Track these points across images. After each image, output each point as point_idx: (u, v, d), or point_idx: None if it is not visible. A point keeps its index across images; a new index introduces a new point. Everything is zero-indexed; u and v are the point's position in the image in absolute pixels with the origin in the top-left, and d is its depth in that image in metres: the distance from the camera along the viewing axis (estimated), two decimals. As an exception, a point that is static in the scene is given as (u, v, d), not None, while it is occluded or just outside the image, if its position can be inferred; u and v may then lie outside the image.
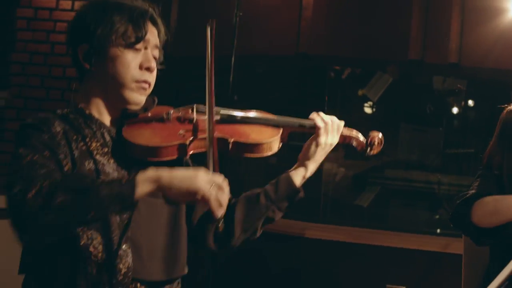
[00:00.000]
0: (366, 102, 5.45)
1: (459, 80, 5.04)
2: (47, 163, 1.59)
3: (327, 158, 5.80)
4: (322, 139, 1.91)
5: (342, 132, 1.97)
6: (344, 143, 2.02)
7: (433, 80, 5.21)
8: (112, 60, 1.74)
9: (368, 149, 2.03)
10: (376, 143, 2.02)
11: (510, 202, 2.40)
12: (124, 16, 1.75)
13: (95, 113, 1.78)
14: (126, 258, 1.65)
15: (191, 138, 1.78)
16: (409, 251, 3.15)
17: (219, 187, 1.59)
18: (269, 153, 1.87)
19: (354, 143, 2.03)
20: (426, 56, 4.22)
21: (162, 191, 1.57)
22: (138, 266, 1.68)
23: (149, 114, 1.84)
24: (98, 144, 1.72)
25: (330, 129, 1.92)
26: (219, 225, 1.71)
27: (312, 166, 1.94)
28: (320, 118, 1.92)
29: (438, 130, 5.30)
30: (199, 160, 1.80)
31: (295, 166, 1.97)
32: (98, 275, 1.61)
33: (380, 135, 2.03)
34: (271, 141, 1.87)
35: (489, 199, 2.43)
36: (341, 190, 5.59)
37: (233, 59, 3.83)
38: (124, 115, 1.81)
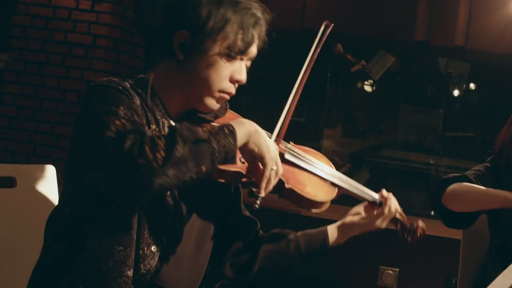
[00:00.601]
0: (367, 80, 5.41)
1: (464, 62, 5.01)
2: (143, 127, 1.51)
3: (325, 135, 5.75)
4: (379, 221, 1.85)
5: (396, 216, 1.92)
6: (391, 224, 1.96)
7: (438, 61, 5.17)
8: (208, 63, 1.62)
9: (409, 237, 1.97)
10: (418, 234, 1.97)
11: (480, 193, 2.40)
12: (237, 18, 1.62)
13: (164, 101, 1.67)
14: (150, 260, 1.60)
15: (250, 169, 1.65)
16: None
17: (277, 173, 1.59)
18: (318, 211, 1.79)
19: (399, 227, 1.98)
20: (432, 38, 4.18)
21: (248, 143, 1.55)
22: (164, 272, 1.64)
23: (218, 122, 1.70)
24: (155, 132, 1.60)
25: (391, 214, 1.87)
26: (256, 204, 1.62)
27: (349, 236, 1.88)
28: (392, 201, 1.86)
29: (438, 113, 5.27)
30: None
31: (336, 225, 1.89)
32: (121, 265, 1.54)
33: (423, 225, 1.98)
34: (324, 202, 1.78)
35: (463, 185, 2.43)
36: (338, 169, 5.57)
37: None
38: (191, 114, 1.71)
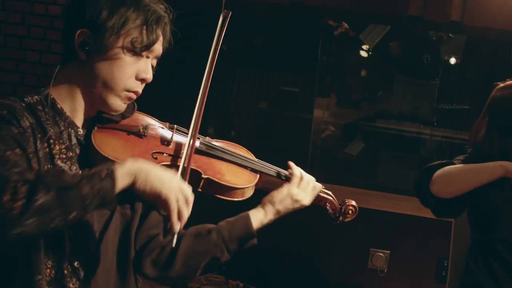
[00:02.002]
0: (363, 48, 5.31)
1: (460, 35, 4.91)
2: (19, 161, 1.44)
3: (318, 105, 5.69)
4: (294, 190, 1.86)
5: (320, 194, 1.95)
6: (318, 204, 1.99)
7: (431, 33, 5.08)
8: (111, 60, 1.58)
9: (341, 217, 2.01)
10: (350, 212, 2.00)
11: (468, 170, 2.35)
12: (140, 15, 1.59)
13: (67, 108, 1.62)
14: (77, 276, 1.57)
15: (163, 163, 1.66)
16: (396, 215, 3.09)
17: (186, 200, 1.51)
18: (240, 199, 1.80)
19: (328, 206, 2.01)
20: (426, 12, 4.05)
21: (136, 184, 1.47)
22: (92, 285, 1.61)
23: (125, 123, 1.69)
24: (63, 146, 1.58)
25: (305, 184, 1.88)
26: (172, 241, 1.60)
27: (272, 214, 1.85)
28: (298, 170, 1.89)
29: (434, 84, 5.18)
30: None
31: (256, 208, 1.87)
32: None
33: (355, 204, 2.02)
34: (246, 188, 1.80)
35: (449, 168, 2.38)
36: (331, 140, 5.53)
37: (223, 5, 3.66)
38: (98, 117, 1.66)
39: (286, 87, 5.39)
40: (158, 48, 1.64)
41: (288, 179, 1.90)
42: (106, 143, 1.62)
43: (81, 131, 1.64)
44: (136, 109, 1.74)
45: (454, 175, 2.37)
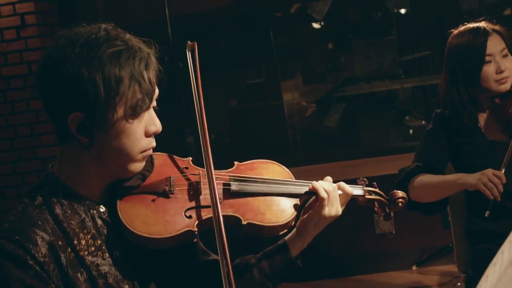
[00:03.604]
0: (312, 24, 5.33)
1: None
2: None
3: (285, 89, 5.70)
4: (325, 211, 1.66)
5: (365, 195, 1.77)
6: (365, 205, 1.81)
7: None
8: (117, 134, 1.41)
9: (391, 211, 1.82)
10: (400, 204, 1.80)
11: (436, 185, 2.44)
12: (127, 72, 1.39)
13: (82, 188, 1.48)
14: None
15: (199, 220, 1.51)
16: (389, 177, 3.11)
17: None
18: (285, 231, 1.65)
19: (377, 205, 1.81)
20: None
21: None
22: None
23: (148, 184, 1.53)
24: (89, 237, 1.46)
25: (333, 199, 1.67)
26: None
27: (310, 237, 1.70)
28: (322, 188, 1.66)
29: (391, 39, 5.22)
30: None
31: (292, 235, 1.71)
32: None
33: (405, 195, 1.81)
34: (290, 221, 1.62)
35: (419, 180, 2.47)
36: (308, 119, 5.55)
37: (168, 22, 3.67)
38: (117, 186, 1.52)
39: (251, 81, 5.42)
40: (156, 92, 1.48)
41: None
42: (135, 216, 1.48)
43: (103, 209, 1.51)
44: (154, 161, 1.58)
45: (423, 191, 2.48)
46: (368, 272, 4.30)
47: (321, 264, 4.28)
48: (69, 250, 1.42)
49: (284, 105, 5.30)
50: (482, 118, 2.52)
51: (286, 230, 1.64)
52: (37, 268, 1.36)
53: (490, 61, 2.42)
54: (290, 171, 1.75)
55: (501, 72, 2.41)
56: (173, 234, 1.48)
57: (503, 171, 2.31)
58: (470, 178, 2.33)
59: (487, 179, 2.28)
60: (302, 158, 4.98)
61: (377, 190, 1.81)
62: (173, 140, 4.08)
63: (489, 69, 2.42)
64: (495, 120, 2.49)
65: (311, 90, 5.55)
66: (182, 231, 1.49)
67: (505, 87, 2.43)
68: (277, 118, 5.26)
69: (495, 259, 1.05)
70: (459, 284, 2.70)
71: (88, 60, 1.36)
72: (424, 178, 2.47)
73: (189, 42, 1.61)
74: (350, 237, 4.36)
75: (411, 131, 5.33)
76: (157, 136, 1.51)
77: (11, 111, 4.61)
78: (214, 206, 1.45)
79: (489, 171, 2.29)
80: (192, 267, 1.69)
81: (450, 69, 2.49)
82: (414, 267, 4.25)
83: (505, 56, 2.44)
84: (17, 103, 4.58)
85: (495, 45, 2.42)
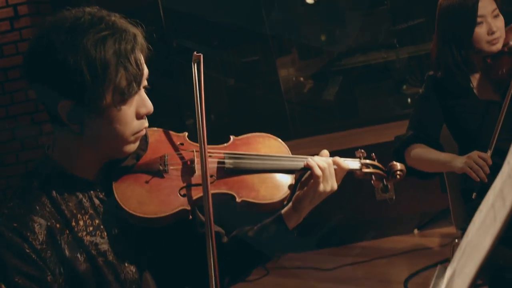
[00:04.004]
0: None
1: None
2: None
3: (283, 65, 5.68)
4: (321, 187, 1.65)
5: (362, 169, 1.76)
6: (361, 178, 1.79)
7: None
8: (108, 119, 1.42)
9: (389, 184, 1.79)
10: (398, 177, 1.78)
11: (429, 162, 2.49)
12: (113, 57, 1.37)
13: (78, 170, 1.49)
14: None
15: (193, 199, 1.52)
16: (386, 144, 3.12)
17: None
18: (281, 206, 1.64)
19: (374, 179, 1.79)
20: None
21: None
22: None
23: (143, 163, 1.54)
24: (87, 217, 1.48)
25: (328, 175, 1.65)
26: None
27: (306, 212, 1.70)
28: (317, 166, 1.64)
29: (384, 9, 5.23)
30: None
31: (288, 209, 1.71)
32: None
33: (403, 167, 1.79)
34: (285, 197, 1.62)
35: (415, 153, 2.51)
36: (307, 94, 5.57)
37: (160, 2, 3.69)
38: (112, 166, 1.53)
39: (246, 59, 5.44)
40: (145, 72, 1.46)
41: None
42: (129, 195, 1.50)
43: (99, 188, 1.53)
44: (148, 140, 1.58)
45: (418, 164, 2.52)
46: (371, 238, 4.35)
47: (324, 232, 4.32)
48: (67, 232, 1.44)
49: (280, 81, 5.32)
50: (475, 79, 2.53)
51: (282, 205, 1.64)
52: (33, 256, 1.38)
53: (481, 22, 2.42)
54: (289, 144, 1.74)
55: (493, 33, 2.42)
56: (167, 213, 1.49)
57: (489, 154, 2.32)
58: (457, 162, 2.35)
59: (473, 162, 2.30)
60: (301, 131, 5.01)
61: (375, 162, 1.79)
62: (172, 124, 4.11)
63: (480, 31, 2.42)
64: (487, 81, 2.50)
65: (307, 64, 5.56)
66: (177, 210, 1.50)
67: (496, 47, 2.44)
68: (274, 95, 5.28)
69: (481, 206, 1.09)
70: (456, 240, 2.74)
71: (73, 47, 1.36)
72: (420, 152, 2.51)
73: (195, 53, 1.60)
74: (351, 205, 4.39)
75: (408, 99, 5.35)
76: (155, 119, 1.53)
77: (11, 101, 4.67)
78: (204, 186, 1.47)
79: (475, 154, 2.31)
80: (190, 240, 1.69)
81: (442, 31, 2.49)
82: (415, 231, 4.31)
83: (496, 16, 2.44)
84: (16, 93, 4.63)
85: (486, 6, 2.41)
